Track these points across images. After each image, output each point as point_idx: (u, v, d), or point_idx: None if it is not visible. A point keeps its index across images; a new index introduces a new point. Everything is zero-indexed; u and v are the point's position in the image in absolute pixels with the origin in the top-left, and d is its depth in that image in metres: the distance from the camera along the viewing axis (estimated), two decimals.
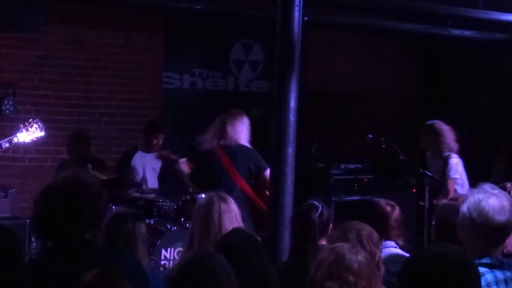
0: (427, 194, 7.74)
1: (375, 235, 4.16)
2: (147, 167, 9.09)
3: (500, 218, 3.61)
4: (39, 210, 3.48)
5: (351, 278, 3.16)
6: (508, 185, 5.83)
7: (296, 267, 4.38)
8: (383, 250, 5.05)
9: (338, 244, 3.42)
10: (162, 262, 7.49)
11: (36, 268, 3.50)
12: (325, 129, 8.76)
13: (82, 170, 6.79)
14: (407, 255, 5.14)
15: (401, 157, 7.66)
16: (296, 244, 4.80)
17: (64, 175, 3.61)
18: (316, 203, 4.87)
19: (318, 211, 4.77)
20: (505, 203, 3.67)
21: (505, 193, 3.85)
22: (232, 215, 4.43)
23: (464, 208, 3.71)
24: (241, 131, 7.45)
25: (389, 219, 5.32)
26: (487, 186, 3.78)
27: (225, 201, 4.48)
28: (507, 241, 4.56)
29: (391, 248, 5.25)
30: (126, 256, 3.79)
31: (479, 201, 3.65)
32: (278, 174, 6.30)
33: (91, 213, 3.50)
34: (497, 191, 3.75)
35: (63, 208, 3.42)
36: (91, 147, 9.76)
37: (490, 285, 3.51)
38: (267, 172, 6.85)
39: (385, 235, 5.15)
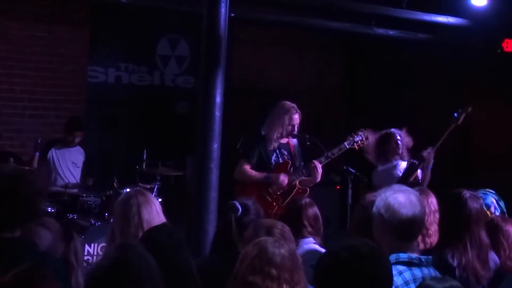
0: (350, 191, 7.83)
1: (287, 229, 4.16)
2: (65, 161, 8.92)
3: (407, 211, 3.70)
4: None
5: (274, 272, 3.19)
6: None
7: (219, 262, 4.38)
8: (303, 246, 5.11)
9: (262, 238, 3.44)
10: (86, 258, 7.42)
11: None
12: (251, 125, 8.80)
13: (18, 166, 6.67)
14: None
15: (325, 154, 7.71)
16: (216, 241, 4.81)
17: (5, 167, 3.42)
18: (236, 204, 4.78)
19: (238, 212, 4.71)
20: (412, 198, 3.76)
21: (414, 191, 3.94)
22: (151, 208, 4.42)
23: (374, 207, 3.81)
24: None
25: (302, 216, 5.37)
26: (396, 186, 3.90)
27: (143, 194, 4.49)
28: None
29: (310, 244, 5.31)
30: (50, 255, 3.69)
31: (386, 197, 3.76)
32: (203, 169, 6.31)
33: (29, 211, 3.36)
34: (404, 188, 3.85)
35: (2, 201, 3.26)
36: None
37: (409, 283, 3.58)
38: None
39: (299, 233, 5.19)
